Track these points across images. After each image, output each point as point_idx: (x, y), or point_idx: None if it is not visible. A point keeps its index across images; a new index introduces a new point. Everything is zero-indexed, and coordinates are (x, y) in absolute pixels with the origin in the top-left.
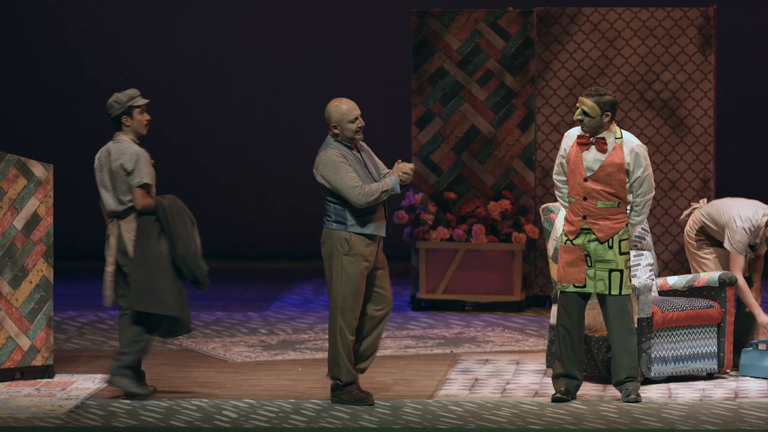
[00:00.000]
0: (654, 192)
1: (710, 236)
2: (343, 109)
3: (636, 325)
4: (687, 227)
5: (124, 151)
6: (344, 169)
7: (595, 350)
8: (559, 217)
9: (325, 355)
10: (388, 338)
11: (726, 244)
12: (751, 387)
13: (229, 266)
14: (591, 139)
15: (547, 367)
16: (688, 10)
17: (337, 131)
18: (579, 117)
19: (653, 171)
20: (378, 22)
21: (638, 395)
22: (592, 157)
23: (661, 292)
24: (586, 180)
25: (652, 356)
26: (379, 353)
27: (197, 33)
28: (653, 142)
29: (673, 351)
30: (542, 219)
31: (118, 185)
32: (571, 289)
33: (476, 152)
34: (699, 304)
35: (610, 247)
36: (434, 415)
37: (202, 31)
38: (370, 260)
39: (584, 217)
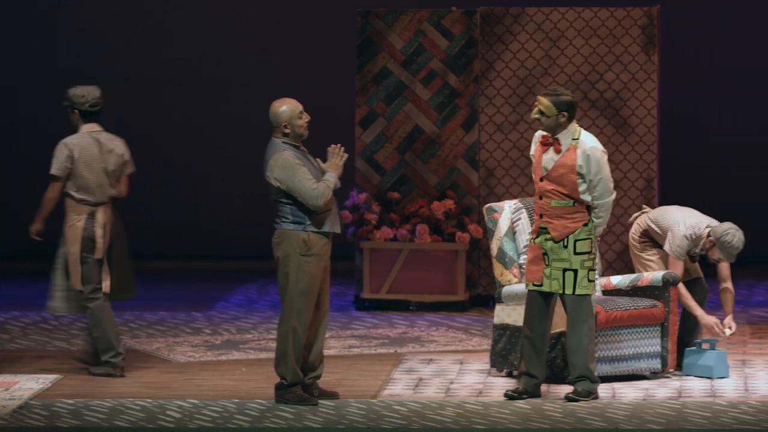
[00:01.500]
0: (613, 195)
1: (653, 239)
2: (291, 107)
3: (588, 326)
4: (632, 230)
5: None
6: (301, 171)
7: None
8: (502, 217)
9: (269, 355)
10: (332, 338)
11: (666, 247)
12: (694, 386)
13: (174, 266)
14: (550, 139)
15: (491, 366)
16: (631, 10)
17: (288, 130)
18: (536, 116)
19: None
20: (322, 21)
21: (584, 394)
22: (548, 156)
23: (605, 292)
24: (542, 179)
25: (596, 356)
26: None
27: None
28: None
29: (616, 350)
30: (486, 219)
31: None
32: (531, 287)
33: (420, 152)
34: (642, 303)
35: (565, 247)
36: (378, 415)
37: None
38: (326, 259)
39: (541, 216)
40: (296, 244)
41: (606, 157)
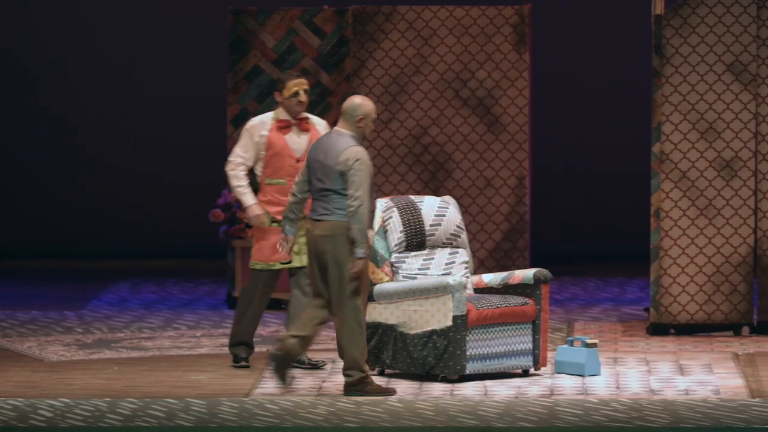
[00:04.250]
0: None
1: None
2: (372, 106)
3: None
4: None
5: None
6: (370, 180)
7: (411, 348)
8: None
9: (141, 354)
10: (204, 336)
11: None
12: (566, 384)
13: (44, 265)
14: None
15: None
16: (503, 9)
17: (360, 125)
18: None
19: (469, 169)
20: (194, 19)
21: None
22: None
23: (477, 290)
24: (297, 161)
25: (468, 354)
26: (194, 351)
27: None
28: (469, 140)
29: (488, 348)
30: None
31: None
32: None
33: None
34: (514, 301)
35: None
36: (250, 414)
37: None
38: None
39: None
40: (348, 235)
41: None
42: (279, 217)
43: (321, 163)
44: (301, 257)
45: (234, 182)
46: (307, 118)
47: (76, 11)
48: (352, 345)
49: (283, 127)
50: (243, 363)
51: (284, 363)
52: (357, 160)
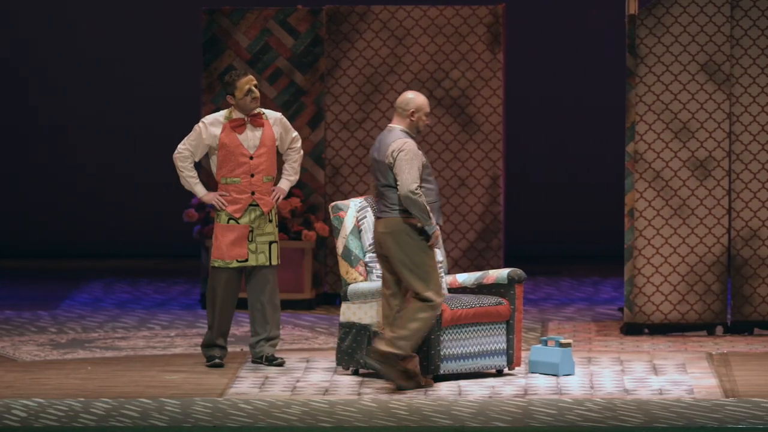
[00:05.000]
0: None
1: None
2: (424, 99)
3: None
4: None
5: None
6: (416, 162)
7: None
8: (348, 215)
9: (115, 353)
10: (178, 336)
11: None
12: (540, 384)
13: (19, 264)
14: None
15: (337, 364)
16: (477, 8)
17: (414, 119)
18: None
19: (443, 168)
20: (168, 19)
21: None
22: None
23: (451, 290)
24: (251, 158)
25: (441, 354)
26: (168, 351)
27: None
28: (443, 140)
29: (462, 348)
30: (332, 217)
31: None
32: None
33: None
34: (488, 301)
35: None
36: (224, 414)
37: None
38: None
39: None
40: (409, 228)
41: None
42: (237, 215)
43: (375, 160)
44: (257, 256)
45: (185, 172)
46: (260, 114)
47: (53, 9)
48: (415, 321)
49: (236, 126)
50: (216, 361)
51: (390, 366)
52: (400, 151)
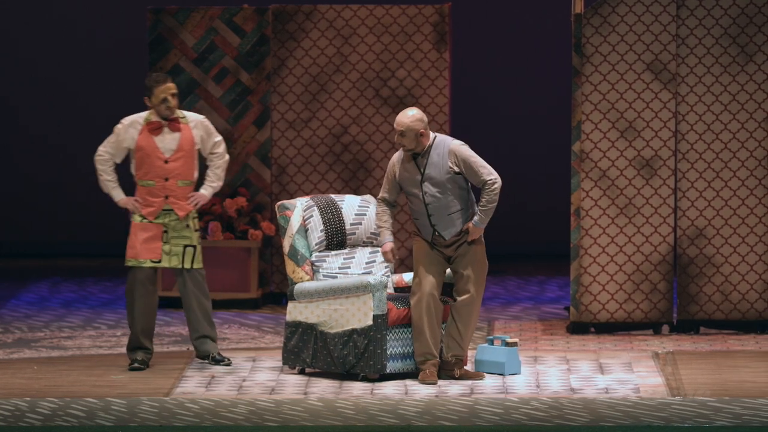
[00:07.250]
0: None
1: None
2: (398, 118)
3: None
4: None
5: None
6: (385, 177)
7: (331, 347)
8: (294, 215)
9: (61, 353)
10: (124, 336)
11: None
12: (486, 383)
13: None
14: None
15: (283, 364)
16: (423, 8)
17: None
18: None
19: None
20: (113, 18)
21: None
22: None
23: (397, 289)
24: (167, 162)
25: (388, 353)
26: (114, 351)
27: None
28: (389, 139)
29: (408, 347)
30: (278, 216)
31: None
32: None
33: None
34: None
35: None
36: (171, 413)
37: None
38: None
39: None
40: None
41: None
42: (150, 218)
43: None
44: (170, 258)
45: (103, 176)
46: (177, 119)
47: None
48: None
49: (154, 128)
50: (135, 365)
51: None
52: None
